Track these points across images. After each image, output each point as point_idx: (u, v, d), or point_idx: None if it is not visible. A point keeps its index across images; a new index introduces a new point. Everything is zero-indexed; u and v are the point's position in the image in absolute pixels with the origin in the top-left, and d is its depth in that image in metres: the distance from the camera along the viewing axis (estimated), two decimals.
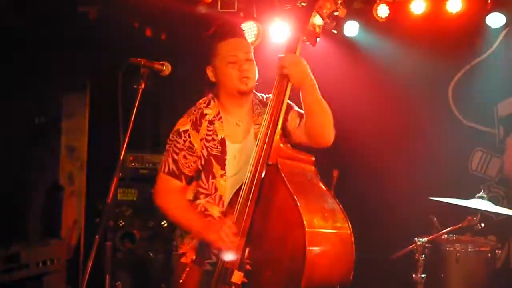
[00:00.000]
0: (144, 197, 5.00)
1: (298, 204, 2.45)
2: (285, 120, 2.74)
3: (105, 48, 4.83)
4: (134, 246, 4.92)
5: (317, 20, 2.68)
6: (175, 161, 2.81)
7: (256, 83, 2.84)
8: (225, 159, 2.80)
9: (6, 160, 4.69)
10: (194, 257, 2.80)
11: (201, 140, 2.81)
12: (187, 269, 2.81)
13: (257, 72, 2.82)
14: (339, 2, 2.70)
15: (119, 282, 4.63)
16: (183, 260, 2.84)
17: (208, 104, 2.86)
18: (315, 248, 2.44)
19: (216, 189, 2.79)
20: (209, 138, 2.81)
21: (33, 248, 4.68)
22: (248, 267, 2.53)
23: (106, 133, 4.94)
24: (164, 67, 2.70)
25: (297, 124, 2.81)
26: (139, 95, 2.60)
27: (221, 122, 2.83)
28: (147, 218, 4.98)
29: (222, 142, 2.81)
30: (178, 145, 2.82)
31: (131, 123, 2.57)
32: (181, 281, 2.81)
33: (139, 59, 2.65)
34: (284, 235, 2.49)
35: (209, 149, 2.81)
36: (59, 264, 4.83)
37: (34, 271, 4.59)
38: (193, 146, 2.81)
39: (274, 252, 2.51)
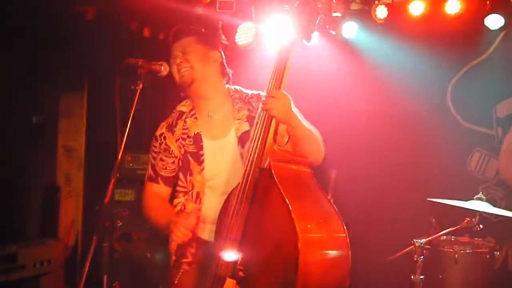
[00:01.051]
0: (141, 197, 4.98)
1: (291, 209, 2.38)
2: (274, 134, 2.71)
3: (103, 48, 4.82)
4: (131, 247, 4.91)
5: (312, 14, 2.62)
6: (152, 166, 2.92)
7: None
8: (202, 155, 2.83)
9: (2, 160, 4.68)
10: (174, 258, 2.83)
11: (176, 140, 2.88)
12: (181, 271, 2.82)
13: (196, 63, 2.85)
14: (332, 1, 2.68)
15: (116, 282, 4.62)
16: (172, 263, 2.89)
17: (185, 103, 2.97)
18: (309, 256, 2.37)
19: (193, 186, 2.84)
20: (184, 136, 2.87)
21: (30, 249, 4.67)
22: (241, 274, 2.49)
23: (104, 133, 4.91)
24: (162, 67, 2.70)
25: (285, 141, 2.80)
26: (137, 96, 2.60)
27: (195, 118, 2.89)
28: (144, 218, 4.95)
29: (197, 137, 2.85)
30: (155, 149, 2.92)
31: (129, 123, 2.57)
32: (178, 278, 2.82)
33: (136, 60, 2.65)
34: (277, 241, 2.44)
35: (185, 147, 2.86)
36: (56, 265, 4.82)
37: (31, 271, 4.59)
38: (169, 147, 2.88)
39: (267, 259, 2.46)
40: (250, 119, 2.83)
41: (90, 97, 5.37)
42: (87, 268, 2.41)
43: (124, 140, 2.56)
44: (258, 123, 2.59)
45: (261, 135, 2.56)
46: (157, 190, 2.90)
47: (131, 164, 5.01)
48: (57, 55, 4.85)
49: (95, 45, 4.86)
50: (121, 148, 2.56)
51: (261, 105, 2.62)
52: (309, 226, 2.42)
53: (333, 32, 5.13)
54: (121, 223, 4.94)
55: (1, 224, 4.61)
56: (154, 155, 2.91)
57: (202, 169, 2.82)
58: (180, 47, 2.88)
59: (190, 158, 2.84)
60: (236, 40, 5.03)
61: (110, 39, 4.85)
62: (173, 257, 2.82)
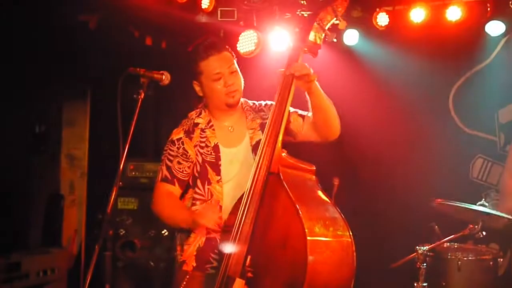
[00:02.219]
0: (145, 206, 4.99)
1: (300, 212, 2.46)
2: (288, 122, 2.81)
3: (106, 56, 4.85)
4: (134, 255, 4.91)
5: (318, 31, 2.73)
6: (168, 168, 2.91)
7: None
8: (220, 165, 2.87)
9: (6, 169, 4.69)
10: (194, 264, 2.86)
11: (194, 146, 2.90)
12: (187, 276, 2.84)
13: (242, 81, 2.90)
14: (339, 14, 2.75)
15: None
16: (184, 268, 2.89)
17: (199, 114, 2.96)
18: (316, 256, 2.43)
19: (211, 195, 2.87)
20: (203, 145, 2.89)
21: (33, 257, 4.68)
22: (249, 275, 2.54)
23: (107, 141, 4.95)
24: (163, 76, 2.72)
25: (300, 124, 2.90)
26: (138, 105, 2.62)
27: (213, 129, 2.92)
28: (147, 227, 4.97)
29: (216, 148, 2.89)
30: (172, 153, 2.91)
31: (131, 132, 2.58)
32: (183, 286, 2.84)
33: (138, 69, 2.67)
34: (285, 243, 2.49)
35: (203, 155, 2.88)
36: (59, 274, 4.83)
37: (34, 280, 4.59)
38: (187, 152, 2.89)
39: (275, 260, 2.51)
40: (263, 126, 2.88)
41: (93, 106, 5.40)
42: (90, 277, 2.41)
43: (126, 149, 2.57)
44: (269, 129, 2.68)
45: (272, 138, 2.65)
46: (172, 190, 2.91)
47: (133, 173, 5.02)
48: (60, 64, 4.88)
49: (98, 54, 4.89)
50: (123, 157, 2.57)
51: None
52: (316, 228, 2.48)
53: (335, 40, 5.14)
54: (124, 232, 4.94)
55: (5, 232, 4.62)
56: (171, 158, 2.90)
57: (220, 179, 2.87)
58: (224, 64, 2.85)
59: (208, 167, 2.87)
60: (238, 48, 5.05)
61: (113, 48, 4.87)
62: (194, 264, 2.85)
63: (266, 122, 2.80)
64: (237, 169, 2.87)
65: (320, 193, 2.68)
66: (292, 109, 2.90)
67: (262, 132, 2.86)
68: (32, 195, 5.21)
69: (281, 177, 2.58)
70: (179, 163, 2.89)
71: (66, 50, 4.80)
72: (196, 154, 2.88)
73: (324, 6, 2.74)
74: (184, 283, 2.86)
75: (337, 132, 2.91)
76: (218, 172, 2.86)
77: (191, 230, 2.89)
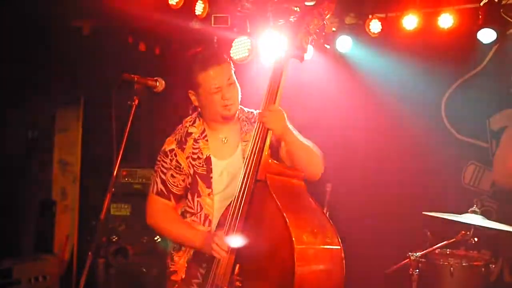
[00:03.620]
0: (137, 212, 4.99)
1: (287, 220, 2.43)
2: (278, 147, 2.78)
3: (99, 62, 4.85)
4: (127, 261, 4.89)
5: (305, 36, 2.70)
6: (163, 181, 2.85)
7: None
8: (211, 177, 2.82)
9: None
10: (183, 276, 2.83)
11: (187, 158, 2.84)
12: (176, 286, 2.82)
13: (239, 91, 2.84)
14: (325, 17, 2.71)
15: None
16: (173, 277, 2.87)
17: (193, 122, 2.90)
18: (304, 265, 2.41)
19: (201, 208, 2.83)
20: (195, 156, 2.84)
21: (25, 264, 4.65)
22: (237, 283, 2.53)
23: (99, 148, 4.94)
24: (157, 83, 2.72)
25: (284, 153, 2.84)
26: (132, 111, 2.61)
27: (206, 140, 2.86)
28: (140, 233, 4.96)
29: (208, 161, 2.84)
30: (165, 165, 2.86)
31: (125, 138, 2.57)
32: None
33: (132, 76, 2.66)
34: (274, 251, 2.47)
35: (195, 167, 2.84)
36: (51, 280, 4.80)
37: (26, 287, 4.56)
38: (180, 164, 2.84)
39: (263, 269, 2.49)
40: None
41: (86, 111, 5.39)
42: (83, 283, 2.40)
43: (120, 155, 2.56)
44: (255, 136, 2.65)
45: (258, 147, 2.62)
46: (168, 205, 2.87)
47: (126, 179, 5.01)
48: (53, 70, 4.87)
49: (91, 59, 4.89)
50: (117, 163, 2.56)
51: (257, 118, 2.68)
52: (304, 236, 2.46)
53: (328, 46, 5.16)
54: (116, 238, 4.92)
55: None
56: (165, 170, 2.85)
57: (211, 192, 2.82)
58: (223, 77, 2.76)
59: (199, 179, 2.83)
60: (231, 55, 5.06)
61: (106, 53, 4.88)
62: (183, 276, 2.83)
63: None
64: (227, 181, 2.83)
65: (309, 199, 2.65)
66: None
67: None
68: (24, 201, 5.18)
69: (268, 184, 2.55)
70: (172, 176, 2.84)
71: (59, 56, 4.80)
72: (188, 166, 2.83)
73: (310, 10, 2.71)
74: None
75: (317, 174, 2.83)
76: (209, 185, 2.82)
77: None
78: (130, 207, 4.99)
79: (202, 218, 2.82)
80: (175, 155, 2.84)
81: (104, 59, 4.83)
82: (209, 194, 2.82)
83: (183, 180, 2.84)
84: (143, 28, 4.99)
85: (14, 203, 5.01)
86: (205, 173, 2.82)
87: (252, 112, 2.94)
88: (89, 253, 2.41)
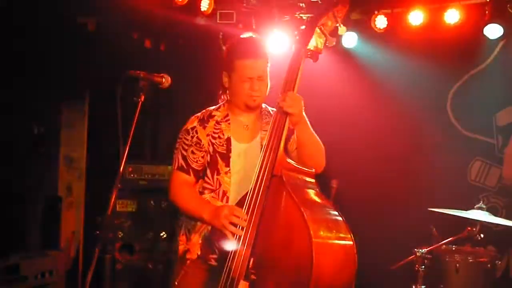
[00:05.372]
0: (143, 208, 5.00)
1: (305, 215, 2.46)
2: (287, 140, 2.86)
3: (104, 59, 4.85)
4: (133, 258, 4.90)
5: (320, 36, 2.76)
6: (184, 157, 2.92)
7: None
8: (230, 157, 2.90)
9: (4, 171, 4.69)
10: (199, 252, 2.87)
11: (207, 135, 2.92)
12: (189, 264, 2.86)
13: (269, 87, 2.93)
14: (340, 19, 2.77)
15: None
16: (188, 256, 2.90)
17: (218, 108, 3.00)
18: (321, 259, 2.43)
19: (220, 185, 2.90)
20: (216, 135, 2.92)
21: (32, 260, 4.66)
22: (253, 277, 2.55)
23: (105, 143, 4.94)
24: (163, 79, 2.71)
25: (294, 148, 2.94)
26: (138, 108, 2.61)
27: (229, 123, 2.95)
28: (146, 229, 4.97)
29: (228, 141, 2.92)
30: (186, 142, 2.93)
31: (131, 135, 2.58)
32: (182, 274, 2.87)
33: (138, 72, 2.65)
34: (290, 245, 2.50)
35: (215, 145, 2.91)
36: (58, 276, 4.81)
37: (33, 283, 4.57)
38: (200, 141, 2.91)
39: (279, 262, 2.51)
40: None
41: (92, 107, 5.39)
42: (89, 279, 2.41)
43: (126, 152, 2.56)
44: (273, 124, 2.71)
45: (275, 141, 2.67)
46: (188, 180, 2.93)
47: (132, 175, 5.01)
48: (59, 66, 4.88)
49: (97, 56, 4.89)
50: (123, 159, 2.56)
51: (275, 109, 2.74)
52: (321, 231, 2.49)
53: (333, 43, 5.14)
54: (122, 234, 4.93)
55: (3, 235, 4.61)
56: (186, 147, 2.92)
57: (229, 171, 2.90)
58: (257, 71, 2.86)
59: (218, 157, 2.90)
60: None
61: (111, 50, 4.87)
62: (199, 252, 2.86)
63: None
64: (243, 163, 2.90)
65: (321, 196, 2.69)
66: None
67: None
68: (30, 197, 5.19)
69: (284, 180, 2.59)
70: (193, 152, 2.91)
71: (65, 52, 4.80)
72: (208, 144, 2.91)
73: (325, 11, 2.76)
74: (186, 269, 2.87)
75: (320, 168, 2.90)
76: (227, 163, 2.89)
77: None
78: (136, 203, 5.00)
79: (221, 194, 2.89)
80: (196, 132, 2.92)
81: (109, 56, 4.82)
82: (226, 173, 2.89)
83: (203, 157, 2.91)
84: (148, 24, 4.99)
85: (20, 199, 5.02)
86: (225, 152, 2.90)
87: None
88: (96, 249, 2.42)
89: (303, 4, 4.87)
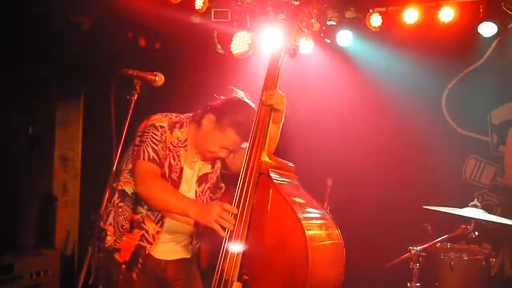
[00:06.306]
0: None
1: (296, 211, 2.44)
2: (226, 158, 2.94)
3: (99, 57, 4.84)
4: None
5: (297, 33, 2.76)
6: (155, 151, 2.83)
7: None
8: (180, 183, 2.90)
9: None
10: (127, 259, 2.84)
11: (170, 142, 2.88)
12: (123, 270, 2.85)
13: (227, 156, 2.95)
14: (314, 15, 2.78)
15: None
16: (116, 255, 2.87)
17: (182, 126, 2.94)
18: (315, 255, 2.42)
19: None
20: (175, 156, 2.90)
21: (27, 259, 4.66)
22: (245, 277, 2.52)
23: (100, 142, 4.93)
24: (157, 77, 2.70)
25: (231, 156, 2.97)
26: (131, 106, 2.60)
27: (186, 150, 2.93)
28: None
29: (181, 170, 2.92)
30: (156, 137, 2.84)
31: (124, 133, 2.57)
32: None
33: (131, 71, 2.64)
34: (283, 243, 2.47)
35: (172, 167, 2.89)
36: (53, 275, 4.80)
37: (28, 282, 4.57)
38: (166, 144, 2.86)
39: (272, 261, 2.49)
40: (212, 160, 3.00)
41: (87, 106, 5.38)
42: (82, 279, 2.40)
43: (119, 151, 2.56)
44: (257, 128, 2.66)
45: (260, 139, 2.64)
46: (159, 173, 2.85)
47: None
48: (54, 65, 4.86)
49: (91, 54, 4.87)
50: (116, 158, 2.55)
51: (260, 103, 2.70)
52: (312, 227, 2.48)
53: (328, 41, 5.16)
54: None
55: None
56: (156, 142, 2.83)
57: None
58: (234, 147, 2.90)
59: (169, 182, 2.87)
60: (232, 49, 5.06)
61: (106, 48, 4.86)
62: (127, 259, 2.85)
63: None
64: (188, 188, 2.92)
65: (304, 192, 2.67)
66: None
67: (211, 167, 2.98)
68: (25, 196, 5.18)
69: (271, 177, 2.57)
70: (163, 149, 2.84)
71: (59, 51, 4.79)
72: (167, 155, 2.88)
73: (301, 8, 2.77)
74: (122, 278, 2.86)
75: None
76: (177, 188, 2.89)
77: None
78: None
79: (157, 218, 2.90)
80: (165, 132, 2.86)
81: (104, 54, 4.81)
82: None
83: (165, 158, 2.86)
84: (143, 23, 4.97)
85: (15, 199, 5.01)
86: (176, 179, 2.89)
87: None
88: (89, 248, 2.41)
89: (298, 2, 4.86)
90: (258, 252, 2.53)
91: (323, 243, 2.51)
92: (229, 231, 2.56)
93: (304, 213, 2.49)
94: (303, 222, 2.42)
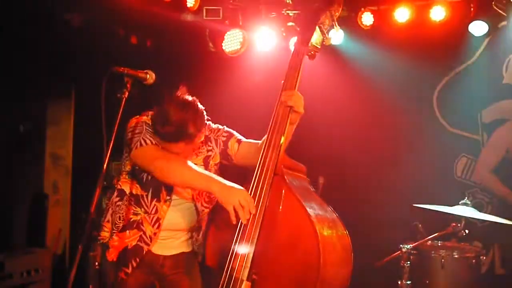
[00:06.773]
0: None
1: (309, 213, 2.45)
2: (226, 147, 2.93)
3: (90, 55, 4.82)
4: None
5: (319, 35, 2.77)
6: (153, 139, 2.82)
7: None
8: (173, 187, 2.89)
9: None
10: (115, 259, 2.87)
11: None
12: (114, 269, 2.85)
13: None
14: (335, 18, 2.78)
15: None
16: (107, 254, 2.90)
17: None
18: (327, 256, 2.43)
19: (156, 211, 2.89)
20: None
21: (17, 258, 4.64)
22: (254, 276, 2.51)
23: (92, 140, 4.90)
24: (147, 75, 2.70)
25: (236, 149, 2.95)
26: (122, 104, 2.59)
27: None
28: None
29: None
30: (150, 130, 2.84)
31: (115, 131, 2.56)
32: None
33: (122, 68, 2.63)
34: (294, 243, 2.47)
35: None
36: (44, 274, 4.79)
37: (18, 280, 4.55)
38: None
39: (283, 261, 2.49)
40: (206, 160, 2.97)
41: (78, 104, 5.36)
42: (72, 277, 2.40)
43: (110, 149, 2.55)
44: (274, 128, 2.64)
45: (277, 139, 2.61)
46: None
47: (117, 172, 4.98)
48: (44, 63, 4.84)
49: (83, 52, 4.86)
50: (106, 156, 2.55)
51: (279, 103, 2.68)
52: (324, 228, 2.48)
53: (332, 43, 5.15)
54: None
55: None
56: (150, 133, 2.82)
57: (169, 199, 2.90)
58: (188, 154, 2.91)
59: (163, 186, 2.87)
60: (223, 47, 5.05)
61: (97, 46, 4.84)
62: (115, 259, 2.87)
63: (210, 155, 2.94)
64: (181, 191, 2.92)
65: (315, 193, 2.69)
66: (235, 134, 2.98)
67: (204, 165, 2.93)
68: (16, 194, 5.16)
69: (285, 178, 2.57)
70: (157, 144, 2.83)
71: (50, 49, 4.77)
72: None
73: (324, 9, 2.76)
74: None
75: None
76: (169, 193, 2.89)
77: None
78: None
79: (154, 220, 2.90)
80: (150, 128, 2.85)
81: (95, 52, 4.79)
82: (166, 201, 2.90)
83: None
84: (134, 20, 4.96)
85: (5, 197, 4.99)
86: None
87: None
88: (80, 247, 2.40)
89: (290, 0, 4.87)
90: (269, 252, 2.52)
91: (333, 244, 2.51)
92: (241, 231, 2.54)
93: (316, 214, 2.49)
94: (315, 224, 2.42)
